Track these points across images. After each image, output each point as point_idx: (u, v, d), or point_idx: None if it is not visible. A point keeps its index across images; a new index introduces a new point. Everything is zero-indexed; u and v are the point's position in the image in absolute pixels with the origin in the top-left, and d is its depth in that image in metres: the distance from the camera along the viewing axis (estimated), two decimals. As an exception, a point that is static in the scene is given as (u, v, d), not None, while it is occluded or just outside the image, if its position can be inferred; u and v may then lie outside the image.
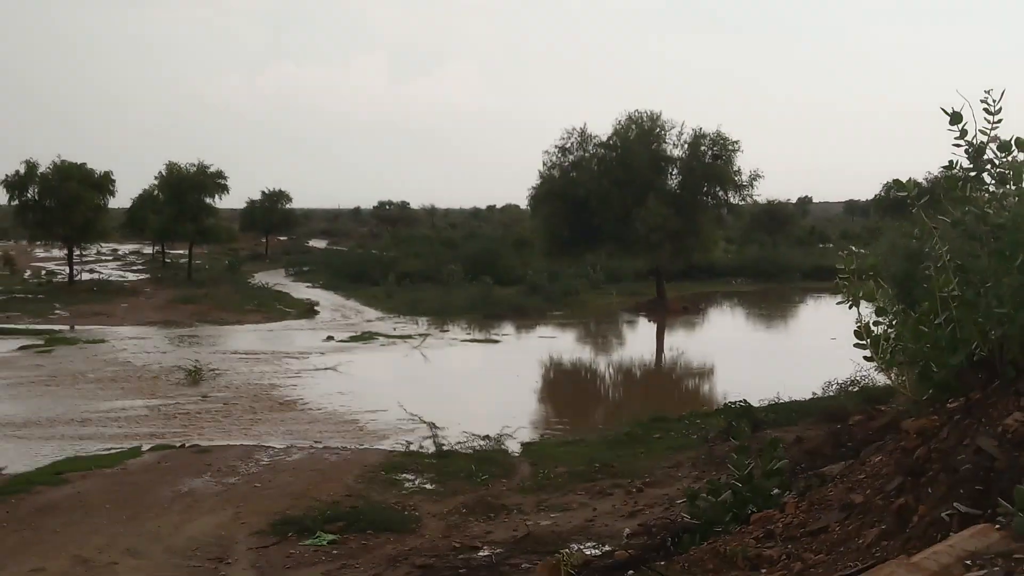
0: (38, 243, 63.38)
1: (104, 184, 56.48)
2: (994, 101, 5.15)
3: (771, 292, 55.29)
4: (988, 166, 5.25)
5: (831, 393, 19.18)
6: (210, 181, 60.87)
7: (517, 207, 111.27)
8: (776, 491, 7.71)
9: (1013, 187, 5.15)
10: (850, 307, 5.82)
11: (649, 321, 43.74)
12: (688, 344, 36.77)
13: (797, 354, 32.17)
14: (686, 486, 11.96)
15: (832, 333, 32.80)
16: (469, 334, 38.18)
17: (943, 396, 5.57)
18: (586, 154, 47.79)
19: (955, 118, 5.22)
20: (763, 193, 56.14)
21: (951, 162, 5.38)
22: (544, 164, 48.14)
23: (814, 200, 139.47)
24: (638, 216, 43.67)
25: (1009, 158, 5.18)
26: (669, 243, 44.79)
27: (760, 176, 46.58)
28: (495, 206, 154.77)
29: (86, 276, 60.86)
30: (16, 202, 55.22)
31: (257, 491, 14.93)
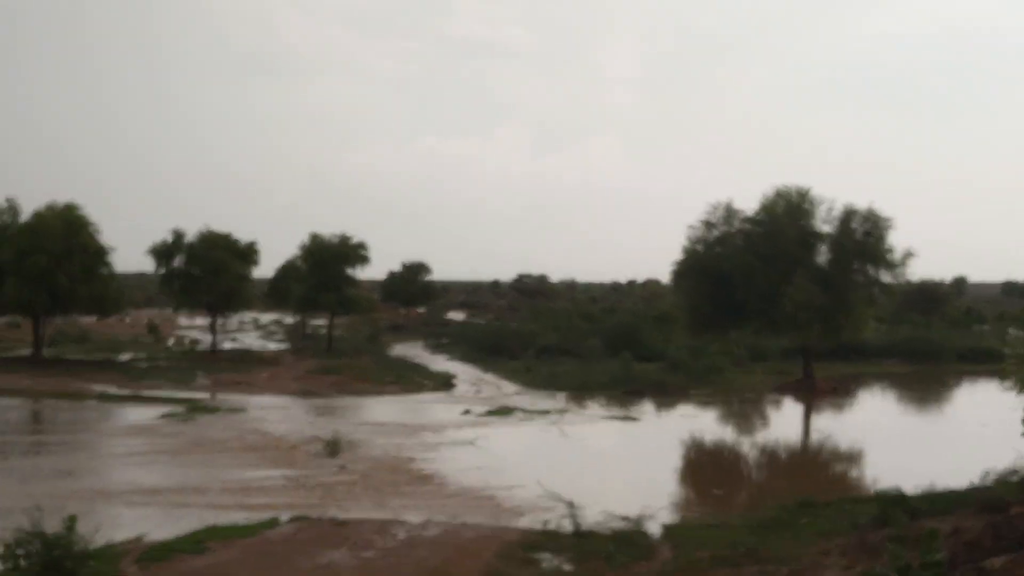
0: (182, 311, 64.68)
1: (248, 254, 58.23)
2: None
3: (924, 374, 53.20)
4: None
5: (989, 482, 18.15)
6: (352, 252, 61.76)
7: (658, 282, 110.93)
8: (936, 587, 7.21)
9: None
10: (1019, 392, 5.43)
11: (795, 401, 42.47)
12: (836, 427, 35.45)
13: (950, 439, 30.70)
14: (836, 574, 11.35)
15: (985, 418, 31.35)
16: (608, 411, 37.72)
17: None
18: (731, 229, 47.11)
19: None
20: (916, 272, 54.25)
21: None
22: (688, 238, 47.58)
23: (970, 280, 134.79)
24: (785, 293, 42.75)
25: None
26: (817, 321, 43.62)
27: (913, 254, 45.20)
28: (636, 280, 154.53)
29: (228, 344, 62.66)
30: (163, 270, 57.17)
31: (393, 566, 14.88)
